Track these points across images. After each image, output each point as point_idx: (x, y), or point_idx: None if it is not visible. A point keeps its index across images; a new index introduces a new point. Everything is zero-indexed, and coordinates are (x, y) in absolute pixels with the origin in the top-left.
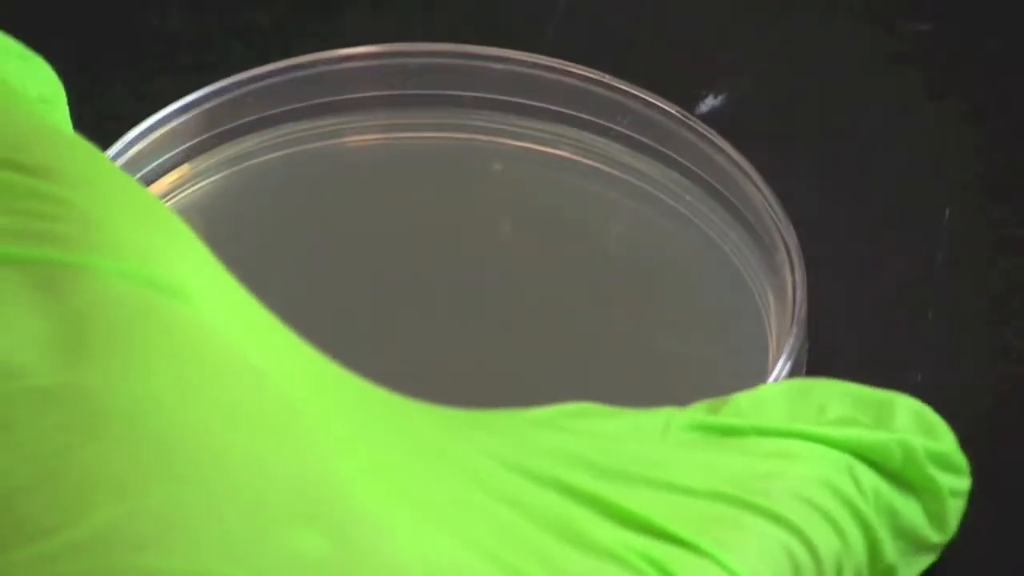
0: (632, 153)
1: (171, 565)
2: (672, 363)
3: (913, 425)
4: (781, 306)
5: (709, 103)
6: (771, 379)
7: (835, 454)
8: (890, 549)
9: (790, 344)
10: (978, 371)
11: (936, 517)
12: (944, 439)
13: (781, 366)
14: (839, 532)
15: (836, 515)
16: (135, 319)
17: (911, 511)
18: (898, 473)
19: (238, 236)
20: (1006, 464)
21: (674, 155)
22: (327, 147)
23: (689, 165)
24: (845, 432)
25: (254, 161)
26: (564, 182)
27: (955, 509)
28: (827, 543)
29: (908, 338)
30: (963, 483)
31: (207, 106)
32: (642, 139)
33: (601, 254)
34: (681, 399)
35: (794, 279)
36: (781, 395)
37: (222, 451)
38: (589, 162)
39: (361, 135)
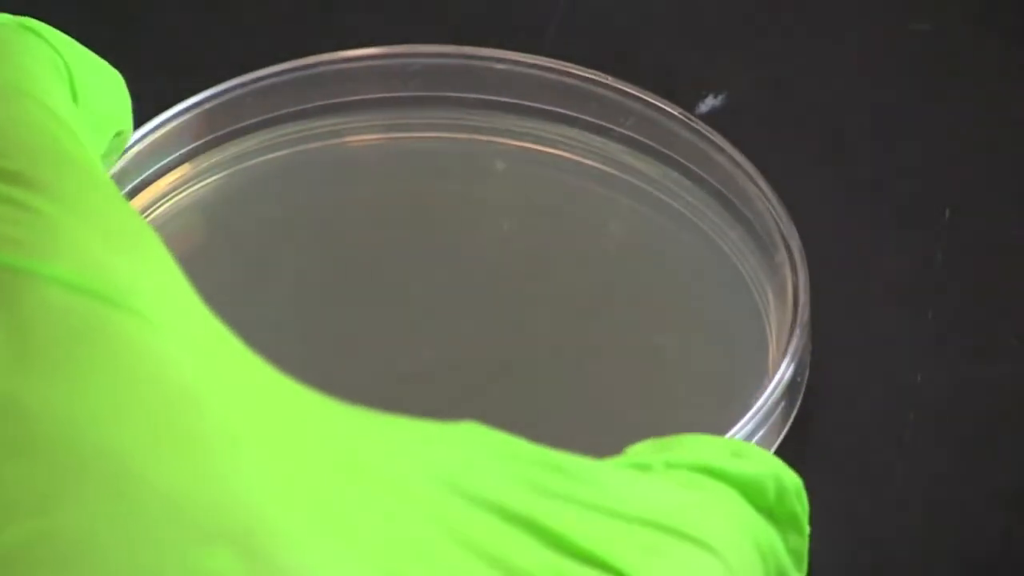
0: (632, 153)
1: None
2: (672, 363)
3: (772, 462)
4: (781, 306)
5: (709, 103)
6: (774, 379)
7: (732, 491)
8: None
9: (794, 345)
10: (978, 371)
11: (796, 555)
12: (796, 478)
13: (785, 367)
14: (755, 566)
15: (749, 549)
16: (80, 333)
17: (780, 548)
18: (769, 509)
19: (238, 236)
20: (1006, 464)
21: (674, 155)
22: (327, 147)
23: (689, 165)
24: (732, 465)
25: (254, 161)
26: (564, 182)
27: (807, 548)
28: (747, 574)
29: (908, 338)
30: (807, 525)
31: (207, 106)
32: (642, 139)
33: (601, 254)
34: (681, 399)
35: (796, 280)
36: (656, 444)
37: (142, 473)
38: (589, 162)
39: (361, 135)
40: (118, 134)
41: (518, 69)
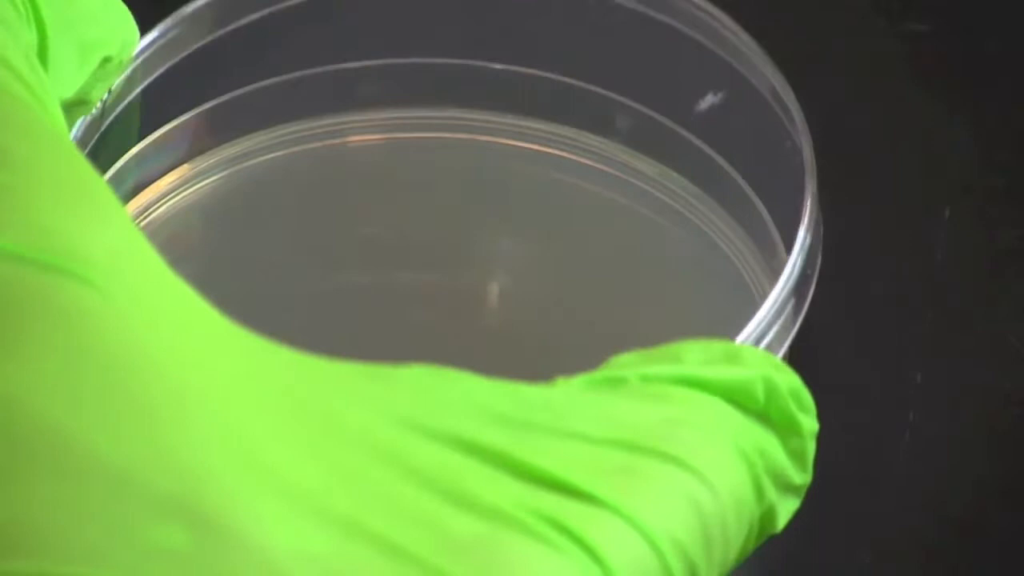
0: (632, 153)
1: (29, 568)
2: None
3: (766, 363)
4: None
5: (709, 102)
6: (782, 278)
7: (714, 399)
8: (771, 490)
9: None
10: (978, 371)
11: (797, 456)
12: (795, 378)
13: (794, 260)
14: (736, 476)
15: (730, 458)
16: (22, 307)
17: (776, 451)
18: (762, 412)
19: (238, 236)
20: (1007, 464)
21: (674, 155)
22: (327, 147)
23: (689, 165)
24: (717, 372)
25: (254, 161)
26: (564, 182)
27: (812, 449)
28: (728, 487)
29: (908, 338)
30: (815, 423)
31: (207, 106)
32: (642, 139)
33: (601, 254)
34: None
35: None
36: (642, 354)
37: (89, 449)
38: (589, 162)
39: (362, 135)
40: (106, 60)
41: (517, 68)
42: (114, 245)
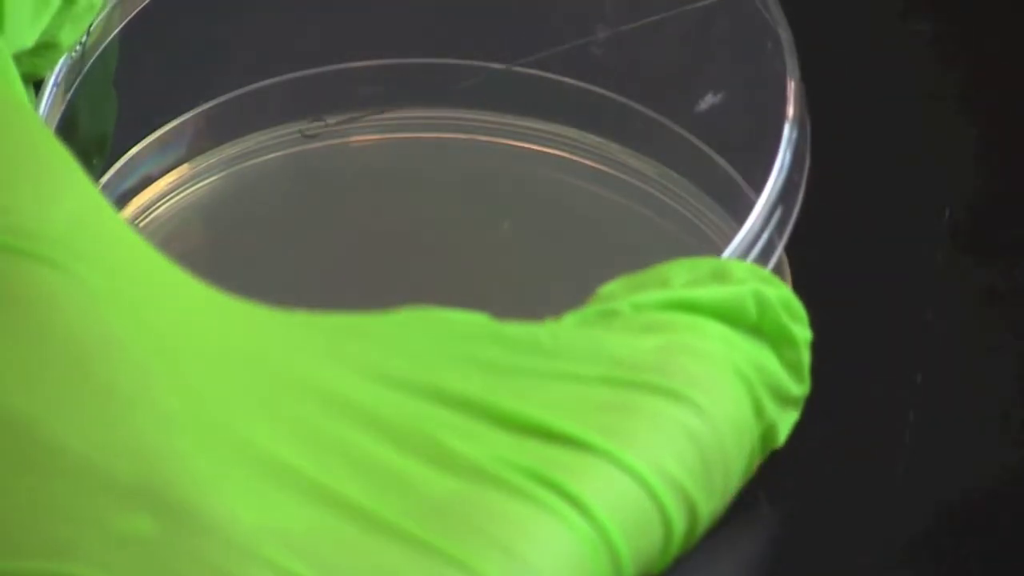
0: (632, 153)
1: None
2: None
3: (754, 277)
4: None
5: (708, 102)
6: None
7: (708, 321)
8: (770, 406)
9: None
10: (978, 371)
11: (793, 368)
12: (784, 288)
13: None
14: (733, 399)
15: (727, 381)
16: None
17: (773, 364)
18: (755, 327)
19: (238, 236)
20: (1007, 464)
21: (674, 155)
22: (328, 147)
23: (688, 165)
24: (706, 291)
25: (254, 161)
26: (564, 182)
27: (807, 359)
28: (725, 413)
29: (908, 338)
30: (808, 332)
31: (207, 106)
32: (642, 139)
33: (601, 254)
34: None
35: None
36: (629, 280)
37: (53, 438)
38: (589, 162)
39: (362, 135)
40: (69, 1)
41: (517, 68)
42: (73, 217)
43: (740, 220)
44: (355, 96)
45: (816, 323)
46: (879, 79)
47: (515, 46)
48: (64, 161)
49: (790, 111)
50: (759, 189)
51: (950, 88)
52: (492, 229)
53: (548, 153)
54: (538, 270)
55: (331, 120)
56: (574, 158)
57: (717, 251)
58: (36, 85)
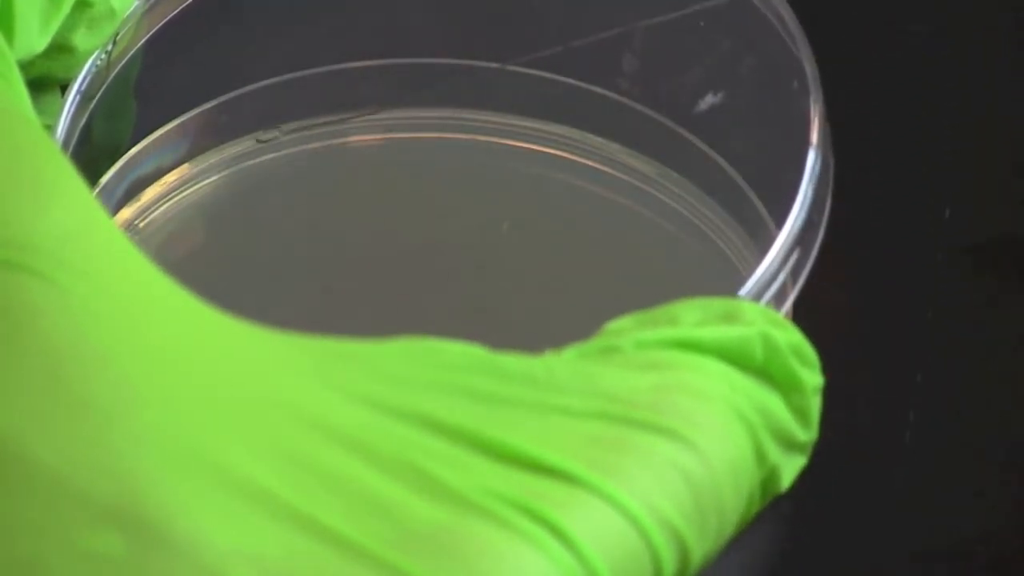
0: (632, 153)
1: None
2: None
3: (765, 320)
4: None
5: (709, 102)
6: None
7: (710, 361)
8: (772, 450)
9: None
10: (978, 371)
11: (801, 413)
12: (796, 333)
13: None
14: (732, 440)
15: (725, 422)
16: None
17: (779, 409)
18: (761, 369)
19: (238, 236)
20: (1007, 464)
21: (674, 155)
22: (327, 147)
23: (689, 165)
24: (712, 331)
25: (254, 161)
26: (564, 182)
27: (816, 405)
28: (722, 453)
29: (908, 338)
30: (819, 377)
31: (207, 106)
32: (642, 139)
33: (601, 254)
34: None
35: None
36: (639, 317)
37: (26, 452)
38: (589, 162)
39: (362, 135)
40: (83, 3)
41: (517, 68)
42: (63, 227)
43: (741, 220)
44: (355, 96)
45: (816, 323)
46: (879, 79)
47: (515, 46)
48: (60, 170)
49: (813, 138)
50: (759, 189)
51: (950, 88)
52: (492, 229)
53: (548, 153)
54: (538, 270)
55: (285, 128)
56: (574, 158)
57: (717, 251)
58: (62, 89)
